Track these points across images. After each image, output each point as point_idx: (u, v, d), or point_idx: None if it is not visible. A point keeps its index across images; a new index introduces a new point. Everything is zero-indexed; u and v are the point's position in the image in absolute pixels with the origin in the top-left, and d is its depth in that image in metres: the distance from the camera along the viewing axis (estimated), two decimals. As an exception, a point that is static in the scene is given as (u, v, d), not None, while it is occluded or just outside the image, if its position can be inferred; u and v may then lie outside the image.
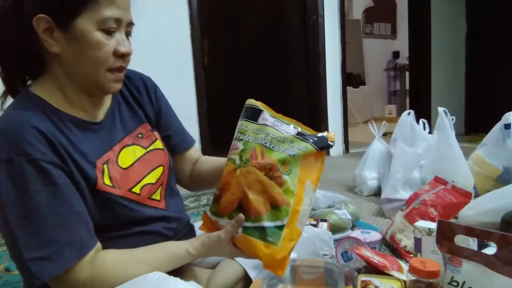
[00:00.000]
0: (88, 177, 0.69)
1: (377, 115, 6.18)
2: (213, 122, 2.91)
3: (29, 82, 0.75)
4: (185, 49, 2.64)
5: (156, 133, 0.87)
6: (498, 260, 0.65)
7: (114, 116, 0.80)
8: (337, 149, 3.40)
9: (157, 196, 0.81)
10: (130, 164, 0.77)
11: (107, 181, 0.72)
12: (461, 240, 0.73)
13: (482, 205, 1.36)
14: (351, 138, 3.56)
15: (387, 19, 6.77)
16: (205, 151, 2.75)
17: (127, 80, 0.85)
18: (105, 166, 0.72)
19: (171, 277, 0.74)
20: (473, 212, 1.35)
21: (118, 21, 0.68)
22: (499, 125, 1.82)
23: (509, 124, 1.76)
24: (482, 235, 0.71)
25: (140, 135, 0.82)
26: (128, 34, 0.73)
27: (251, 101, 0.78)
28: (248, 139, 0.73)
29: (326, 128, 3.34)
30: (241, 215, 0.69)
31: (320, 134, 0.73)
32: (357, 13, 6.53)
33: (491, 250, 0.73)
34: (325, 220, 1.39)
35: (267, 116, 0.75)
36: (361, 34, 6.52)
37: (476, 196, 1.71)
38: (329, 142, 0.72)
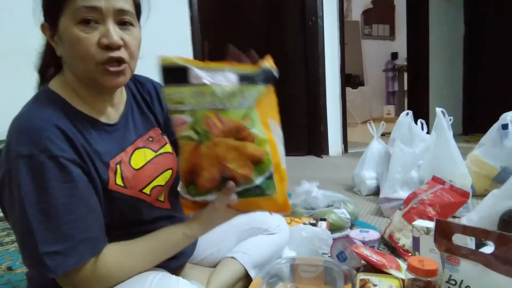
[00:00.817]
0: (101, 177, 0.70)
1: (375, 116, 6.19)
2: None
3: None
4: (186, 50, 2.65)
5: (165, 137, 0.88)
6: (496, 259, 0.65)
7: (127, 119, 0.80)
8: (336, 149, 3.40)
9: (161, 197, 0.83)
10: (142, 166, 0.78)
11: (119, 181, 0.72)
12: (459, 239, 0.73)
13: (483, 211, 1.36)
14: (350, 138, 3.57)
15: (385, 20, 6.78)
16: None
17: (140, 86, 0.87)
18: (118, 166, 0.73)
19: (173, 276, 0.74)
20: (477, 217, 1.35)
21: (94, 9, 0.65)
22: (496, 125, 1.83)
23: (507, 124, 1.78)
24: (479, 234, 0.71)
25: (150, 139, 0.83)
26: (123, 23, 0.69)
27: (167, 60, 0.64)
28: (193, 108, 0.64)
29: (325, 128, 3.35)
30: (231, 183, 0.67)
31: (262, 67, 0.67)
32: (356, 14, 6.54)
33: (489, 249, 0.73)
34: (324, 220, 1.40)
35: (199, 72, 0.64)
36: (360, 35, 6.53)
37: (474, 195, 1.72)
38: (273, 70, 0.68)
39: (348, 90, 4.30)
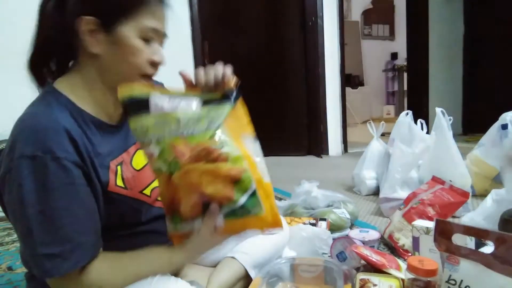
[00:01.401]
0: (100, 179, 0.70)
1: (375, 116, 6.19)
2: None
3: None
4: (186, 51, 2.65)
5: None
6: (496, 258, 0.65)
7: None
8: (336, 149, 3.40)
9: (160, 198, 0.83)
10: (142, 167, 0.78)
11: (119, 182, 0.73)
12: (458, 239, 0.73)
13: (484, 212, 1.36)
14: (350, 138, 3.57)
15: (385, 20, 6.77)
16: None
17: None
18: (118, 167, 0.73)
19: (172, 277, 0.75)
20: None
21: (156, 31, 0.72)
22: (496, 125, 1.83)
23: (506, 124, 1.78)
24: (479, 234, 0.71)
25: None
26: (161, 45, 0.76)
27: (125, 91, 0.66)
28: (158, 138, 0.64)
29: (325, 128, 3.35)
30: (214, 205, 0.65)
31: (225, 91, 0.68)
32: (355, 14, 6.53)
33: (488, 248, 0.73)
34: (324, 219, 1.40)
35: (159, 100, 0.65)
36: (359, 36, 6.53)
37: (474, 196, 1.72)
38: (235, 91, 0.68)
39: (348, 90, 4.30)
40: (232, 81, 0.71)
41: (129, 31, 0.70)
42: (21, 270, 1.25)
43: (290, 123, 3.41)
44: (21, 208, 0.62)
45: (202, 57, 2.79)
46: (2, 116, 2.04)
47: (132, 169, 0.76)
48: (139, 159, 0.78)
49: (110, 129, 0.76)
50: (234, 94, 0.69)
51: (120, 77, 0.72)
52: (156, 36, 0.73)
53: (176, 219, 0.68)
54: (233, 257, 0.95)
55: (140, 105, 0.65)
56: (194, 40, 2.71)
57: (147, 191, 0.78)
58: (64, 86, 0.72)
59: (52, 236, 0.62)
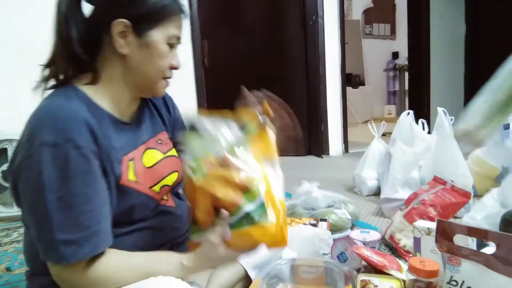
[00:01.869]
0: (115, 172, 0.72)
1: (376, 115, 6.18)
2: (213, 122, 2.90)
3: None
4: (185, 50, 2.64)
5: (172, 142, 0.93)
6: (497, 259, 0.65)
7: (140, 120, 0.86)
8: (336, 149, 3.40)
9: (165, 196, 0.86)
10: (152, 165, 0.81)
11: (131, 176, 0.75)
12: (460, 239, 0.73)
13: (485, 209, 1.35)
14: (351, 138, 3.57)
15: (386, 19, 6.77)
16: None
17: None
18: (130, 162, 0.76)
19: (173, 278, 0.75)
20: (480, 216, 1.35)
21: (177, 39, 0.80)
22: (497, 125, 1.82)
23: (508, 124, 1.77)
24: (481, 234, 0.71)
25: (159, 141, 0.88)
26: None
27: (190, 118, 0.82)
28: (197, 152, 0.74)
29: (326, 128, 3.34)
30: (224, 211, 0.70)
31: (259, 116, 0.80)
32: (356, 13, 6.52)
33: (490, 249, 0.73)
34: (324, 220, 1.40)
35: (205, 123, 0.78)
36: (360, 35, 6.52)
37: (475, 196, 1.72)
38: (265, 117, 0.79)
39: (349, 89, 4.29)
40: (268, 108, 0.82)
41: (158, 36, 0.75)
42: (20, 271, 1.25)
43: (290, 123, 3.39)
44: (40, 194, 0.63)
45: (202, 57, 2.79)
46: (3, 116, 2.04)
47: (142, 166, 0.78)
48: (149, 157, 0.81)
49: (122, 126, 0.79)
50: (264, 120, 0.80)
51: (144, 77, 0.78)
52: (176, 43, 0.80)
53: (193, 228, 0.74)
54: (233, 258, 0.95)
55: (193, 125, 0.80)
56: (194, 39, 2.70)
57: (156, 188, 0.80)
58: (84, 84, 0.75)
59: (70, 222, 0.64)
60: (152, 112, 0.90)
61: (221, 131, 0.76)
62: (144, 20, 0.74)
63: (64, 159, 0.63)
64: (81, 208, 0.64)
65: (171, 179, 0.85)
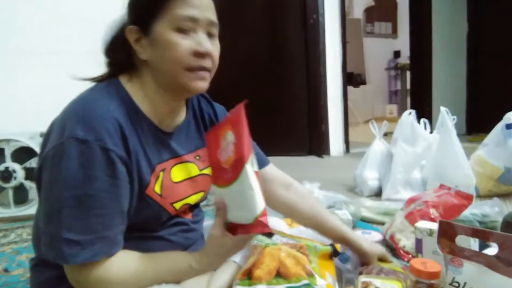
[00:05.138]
0: (142, 179, 0.71)
1: (378, 115, 6.17)
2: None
3: None
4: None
5: None
6: (500, 260, 0.65)
7: (181, 132, 0.82)
8: (337, 149, 3.39)
9: (185, 211, 0.84)
10: (181, 180, 0.79)
11: (157, 188, 0.73)
12: (462, 240, 0.72)
13: None
14: (352, 138, 3.56)
15: (388, 18, 6.76)
16: (205, 151, 2.74)
17: (207, 105, 0.90)
18: (161, 173, 0.74)
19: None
20: None
21: (193, 20, 0.69)
22: (500, 125, 1.82)
23: (511, 124, 1.76)
24: (483, 235, 0.70)
25: (197, 157, 0.85)
26: (212, 35, 0.73)
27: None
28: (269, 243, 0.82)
29: (326, 128, 3.33)
30: (219, 201, 0.71)
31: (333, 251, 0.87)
32: (357, 12, 6.52)
33: (492, 250, 0.72)
34: (325, 221, 1.38)
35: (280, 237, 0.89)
36: (361, 34, 6.51)
37: (477, 196, 1.71)
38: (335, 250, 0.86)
39: (350, 89, 4.28)
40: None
41: (162, 26, 0.69)
42: (17, 272, 1.25)
43: (290, 123, 3.40)
44: (58, 187, 0.62)
45: (202, 56, 2.78)
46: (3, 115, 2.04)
47: (169, 180, 0.76)
48: (178, 172, 0.78)
49: (160, 134, 0.76)
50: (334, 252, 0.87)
51: (168, 75, 0.71)
52: (195, 24, 0.70)
53: (244, 282, 0.74)
54: (233, 261, 0.94)
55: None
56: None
57: (177, 205, 0.78)
58: (127, 83, 0.74)
59: (79, 222, 0.62)
60: (199, 125, 0.87)
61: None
62: (145, 16, 0.70)
63: (90, 157, 0.62)
64: (94, 211, 0.63)
65: (194, 199, 0.83)
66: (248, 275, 0.75)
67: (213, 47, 0.73)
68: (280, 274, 0.73)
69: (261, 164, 0.96)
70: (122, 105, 0.69)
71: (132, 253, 0.71)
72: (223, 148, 0.70)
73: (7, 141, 1.80)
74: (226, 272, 0.91)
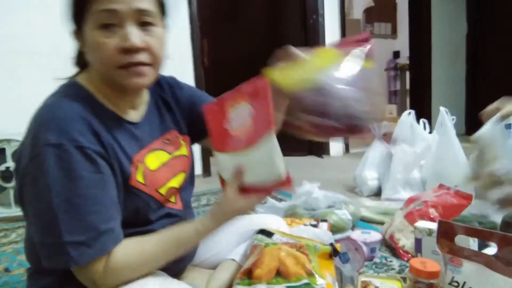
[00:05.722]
0: (124, 171, 0.71)
1: (377, 115, 6.16)
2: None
3: None
4: (185, 49, 2.63)
5: (183, 138, 0.89)
6: (499, 260, 0.65)
7: (146, 121, 0.81)
8: (337, 149, 3.39)
9: (173, 199, 0.84)
10: (157, 167, 0.78)
11: (140, 177, 0.73)
12: (461, 240, 0.72)
13: None
14: (351, 138, 3.55)
15: (387, 18, 6.75)
16: (205, 150, 2.75)
17: (158, 87, 0.87)
18: (139, 163, 0.74)
19: (175, 280, 0.76)
20: None
21: (113, 12, 0.64)
22: (499, 125, 1.81)
23: (510, 124, 1.76)
24: (482, 235, 0.71)
25: (167, 141, 0.84)
26: (144, 24, 0.68)
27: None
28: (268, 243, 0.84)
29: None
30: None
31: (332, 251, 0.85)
32: (357, 12, 6.51)
33: (491, 250, 0.72)
34: (325, 221, 1.39)
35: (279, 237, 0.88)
36: (361, 34, 6.51)
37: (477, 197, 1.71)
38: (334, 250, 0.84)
39: (350, 89, 4.26)
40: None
41: (88, 26, 0.66)
42: (18, 271, 1.25)
43: (291, 123, 3.38)
44: (47, 196, 0.62)
45: (201, 56, 2.78)
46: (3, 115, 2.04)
47: (147, 168, 0.76)
48: (152, 161, 0.78)
49: (129, 127, 0.76)
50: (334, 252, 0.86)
51: (105, 75, 0.70)
52: (119, 18, 0.65)
53: (244, 281, 0.75)
54: (233, 259, 0.94)
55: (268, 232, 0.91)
56: (193, 38, 2.69)
57: (162, 190, 0.78)
58: (85, 80, 0.74)
59: (77, 224, 0.62)
60: (161, 110, 0.86)
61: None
62: (75, 18, 0.69)
63: (68, 159, 0.62)
64: (88, 208, 0.63)
65: (177, 181, 0.83)
66: (248, 274, 0.75)
67: (150, 37, 0.68)
68: (280, 274, 0.73)
69: None
70: (85, 103, 0.68)
71: (135, 237, 0.71)
72: (232, 118, 0.73)
73: (8, 141, 1.81)
74: (226, 272, 0.92)
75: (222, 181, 0.79)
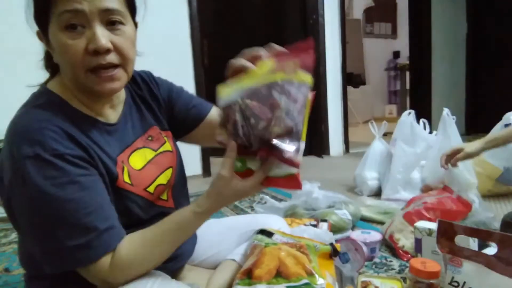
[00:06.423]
0: (111, 173, 0.70)
1: (377, 115, 6.16)
2: (213, 122, 2.90)
3: None
4: (185, 49, 2.63)
5: (165, 134, 0.87)
6: (499, 260, 0.65)
7: (126, 120, 0.80)
8: (337, 149, 3.39)
9: (164, 196, 0.82)
10: (142, 166, 0.77)
11: (126, 178, 0.72)
12: (461, 240, 0.72)
13: None
14: (351, 138, 3.55)
15: (387, 18, 6.75)
16: (205, 150, 2.75)
17: (134, 84, 0.85)
18: (123, 164, 0.73)
19: (173, 280, 0.75)
20: None
21: (77, 12, 0.61)
22: (499, 125, 1.82)
23: (510, 124, 1.76)
24: (482, 235, 0.71)
25: (150, 138, 0.83)
26: (112, 23, 0.65)
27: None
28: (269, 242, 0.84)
29: (326, 128, 3.33)
30: (231, 144, 0.65)
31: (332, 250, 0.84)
32: (357, 12, 6.51)
33: (491, 250, 0.72)
34: (325, 221, 1.39)
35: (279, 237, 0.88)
36: (361, 34, 6.51)
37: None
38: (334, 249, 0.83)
39: (350, 89, 4.28)
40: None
41: (53, 28, 0.63)
42: (18, 272, 1.25)
43: (291, 123, 3.38)
44: (38, 208, 0.61)
45: (201, 56, 2.78)
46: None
47: (132, 168, 0.75)
48: (136, 160, 0.77)
49: (107, 128, 0.75)
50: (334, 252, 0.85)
51: (75, 79, 0.68)
52: (84, 18, 0.62)
53: (244, 281, 0.74)
54: (233, 259, 0.94)
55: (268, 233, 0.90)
56: (193, 38, 2.69)
57: (151, 189, 0.77)
58: (55, 86, 0.72)
59: (76, 228, 0.62)
60: (140, 107, 0.84)
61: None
62: (39, 18, 0.66)
63: (49, 168, 0.61)
64: (82, 211, 0.62)
65: (165, 177, 0.81)
66: (248, 274, 0.75)
67: (118, 37, 0.66)
68: (280, 274, 0.73)
69: (205, 109, 0.93)
70: (58, 111, 0.66)
71: (136, 231, 0.70)
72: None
73: (7, 141, 1.80)
74: (226, 272, 0.92)
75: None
